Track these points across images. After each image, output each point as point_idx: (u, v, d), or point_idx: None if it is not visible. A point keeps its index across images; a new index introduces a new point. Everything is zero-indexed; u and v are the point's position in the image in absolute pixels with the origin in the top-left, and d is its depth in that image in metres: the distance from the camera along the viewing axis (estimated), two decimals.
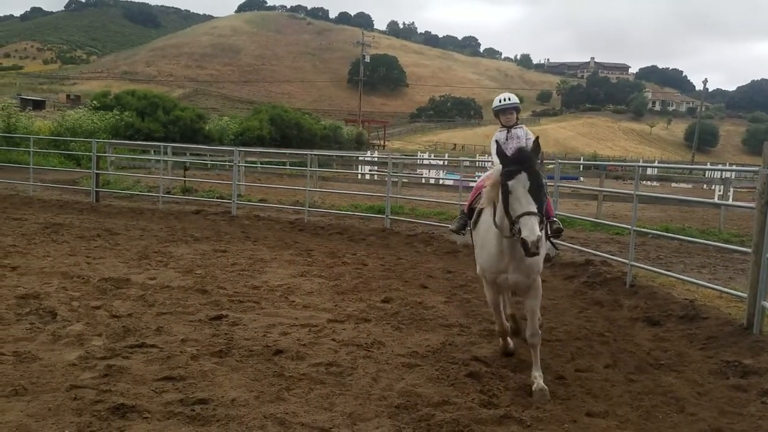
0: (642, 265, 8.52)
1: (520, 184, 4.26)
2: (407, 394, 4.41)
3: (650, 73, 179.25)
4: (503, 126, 5.85)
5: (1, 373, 4.38)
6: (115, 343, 5.15)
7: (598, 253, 9.75)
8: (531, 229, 4.11)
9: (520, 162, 4.35)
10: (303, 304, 6.81)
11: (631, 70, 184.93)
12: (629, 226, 8.48)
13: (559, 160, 12.15)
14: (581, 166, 32.11)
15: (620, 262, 8.83)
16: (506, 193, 4.33)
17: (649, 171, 27.09)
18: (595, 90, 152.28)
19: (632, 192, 8.66)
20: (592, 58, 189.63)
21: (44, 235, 10.27)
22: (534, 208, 4.21)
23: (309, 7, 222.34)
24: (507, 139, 5.74)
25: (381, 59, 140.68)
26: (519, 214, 4.19)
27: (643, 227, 10.93)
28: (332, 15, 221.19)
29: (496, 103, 5.88)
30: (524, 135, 5.77)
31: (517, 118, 5.88)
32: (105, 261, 8.53)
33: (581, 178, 27.76)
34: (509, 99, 5.82)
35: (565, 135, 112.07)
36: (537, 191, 4.29)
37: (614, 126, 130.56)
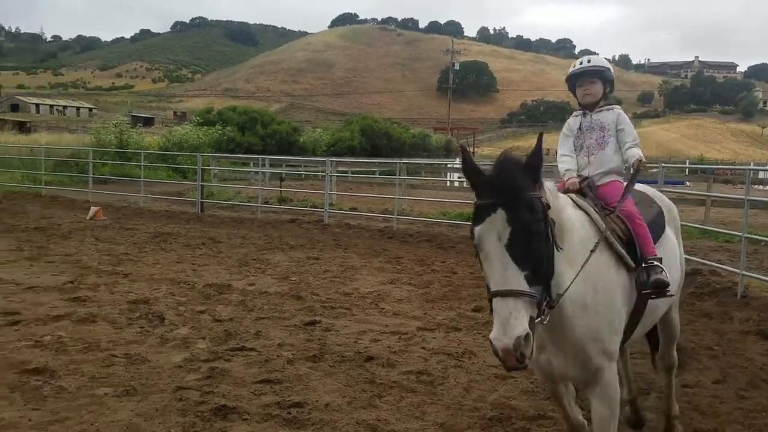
0: (754, 275, 7.93)
1: (492, 234, 2.33)
2: (501, 407, 4.33)
3: (760, 71, 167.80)
4: (580, 106, 3.75)
5: (114, 374, 4.70)
6: (217, 346, 5.40)
7: (707, 261, 9.17)
8: (502, 323, 2.25)
9: (498, 189, 2.37)
10: (393, 312, 6.86)
11: (739, 69, 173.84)
12: (740, 233, 7.94)
13: (663, 164, 11.57)
14: (687, 169, 30.42)
15: (730, 271, 8.27)
16: (477, 250, 2.43)
17: (761, 174, 25.20)
18: (700, 90, 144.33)
19: (743, 197, 8.12)
20: (696, 57, 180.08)
21: (154, 243, 10.95)
22: (517, 282, 2.29)
23: (399, 19, 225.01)
24: (582, 130, 3.67)
25: (471, 66, 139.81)
26: (491, 293, 2.33)
27: (756, 234, 10.19)
28: (422, 25, 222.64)
29: (571, 68, 3.78)
30: (614, 122, 3.62)
31: (606, 95, 3.70)
32: (209, 268, 8.98)
33: (687, 183, 26.24)
34: (588, 61, 3.72)
35: (669, 137, 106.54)
36: (527, 244, 2.33)
37: (722, 127, 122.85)
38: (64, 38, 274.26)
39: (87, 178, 18.86)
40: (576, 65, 3.74)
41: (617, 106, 3.76)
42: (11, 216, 13.74)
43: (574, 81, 3.72)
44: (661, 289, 3.07)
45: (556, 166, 3.77)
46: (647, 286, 3.06)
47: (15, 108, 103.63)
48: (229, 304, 6.90)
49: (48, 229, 11.99)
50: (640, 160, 3.49)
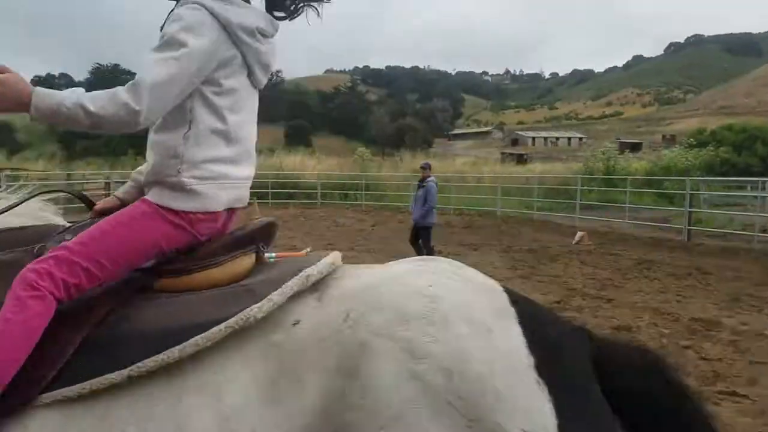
0: None
1: None
2: None
3: None
4: None
5: None
6: (704, 387, 5.00)
7: None
8: None
9: None
10: None
11: None
12: None
13: None
14: None
15: None
16: None
17: None
18: None
19: None
20: None
21: (637, 270, 10.84)
22: None
23: None
24: None
25: None
26: None
27: None
28: None
29: None
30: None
31: None
32: (695, 300, 8.39)
33: None
34: None
35: None
36: None
37: None
38: (560, 74, 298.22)
39: (574, 204, 20.01)
40: None
41: None
42: (509, 238, 15.67)
43: None
44: None
45: None
46: None
47: (515, 142, 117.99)
48: (718, 343, 6.30)
49: (538, 251, 13.20)
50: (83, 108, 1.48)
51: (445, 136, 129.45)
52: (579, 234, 14.92)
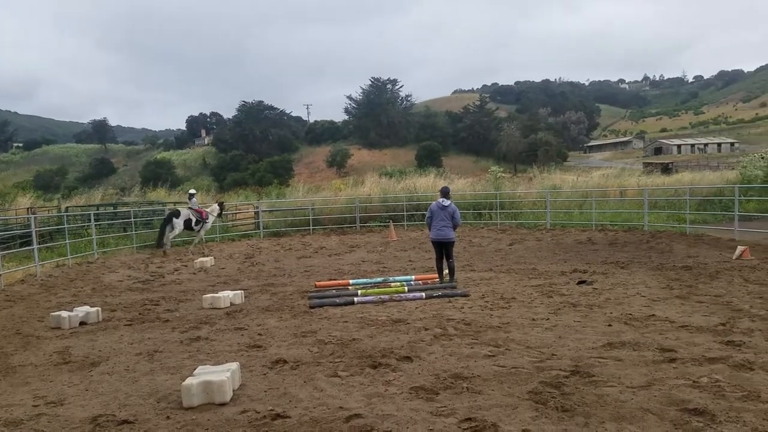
0: None
1: None
2: None
3: None
4: None
5: None
6: None
7: None
8: None
9: None
10: None
11: None
12: None
13: None
14: None
15: None
16: None
17: None
18: None
19: None
20: None
21: None
22: None
23: None
24: None
25: None
26: None
27: None
28: None
29: None
30: None
31: None
32: None
33: None
34: None
35: None
36: None
37: None
38: (705, 77, 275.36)
39: (732, 215, 18.20)
40: None
41: None
42: (658, 254, 14.52)
43: None
44: None
45: None
46: None
47: (658, 151, 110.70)
48: None
49: (694, 268, 12.09)
50: None
51: (581, 149, 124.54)
52: (740, 248, 13.51)
